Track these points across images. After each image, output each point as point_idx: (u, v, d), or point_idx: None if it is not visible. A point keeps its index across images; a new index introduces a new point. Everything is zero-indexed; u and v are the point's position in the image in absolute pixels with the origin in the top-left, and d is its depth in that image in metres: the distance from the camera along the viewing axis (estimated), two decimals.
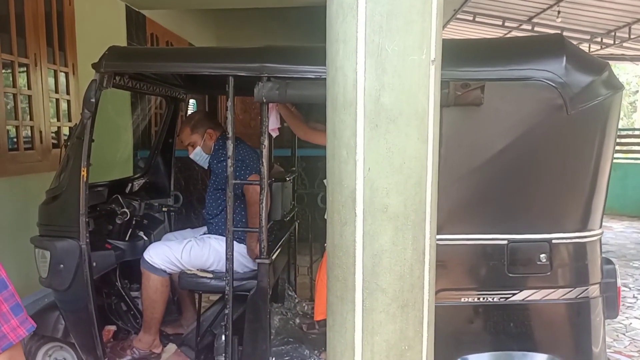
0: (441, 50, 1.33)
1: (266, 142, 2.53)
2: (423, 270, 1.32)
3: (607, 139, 2.21)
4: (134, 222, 3.29)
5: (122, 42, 5.66)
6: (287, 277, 3.85)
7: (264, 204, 2.54)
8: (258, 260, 2.63)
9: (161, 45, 6.69)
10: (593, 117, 2.16)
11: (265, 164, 2.52)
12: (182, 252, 3.00)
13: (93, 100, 2.55)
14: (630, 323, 4.73)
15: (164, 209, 3.48)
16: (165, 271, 2.99)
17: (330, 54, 1.36)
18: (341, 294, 1.35)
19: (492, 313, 2.29)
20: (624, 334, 4.44)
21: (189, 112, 5.38)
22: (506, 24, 9.23)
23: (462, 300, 2.29)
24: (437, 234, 2.21)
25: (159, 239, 3.37)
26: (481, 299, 2.28)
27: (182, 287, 3.12)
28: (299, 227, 3.85)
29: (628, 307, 5.15)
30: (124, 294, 3.26)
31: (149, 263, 2.97)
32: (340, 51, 1.32)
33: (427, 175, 1.31)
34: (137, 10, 6.09)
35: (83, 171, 2.58)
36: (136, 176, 3.75)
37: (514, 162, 2.20)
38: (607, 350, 4.00)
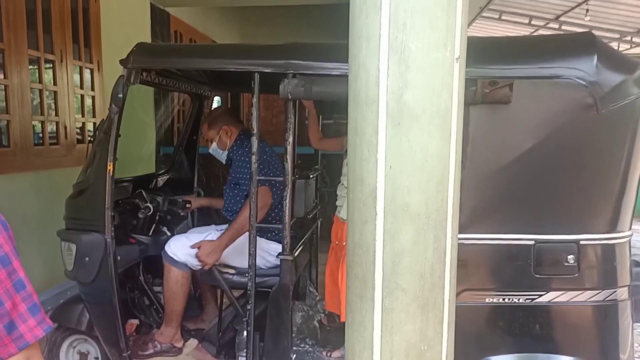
0: (466, 47, 1.30)
1: (291, 139, 2.53)
2: (444, 270, 1.31)
3: (638, 139, 2.15)
4: (157, 218, 3.33)
5: (147, 39, 5.74)
6: (308, 274, 3.85)
7: (287, 200, 2.55)
8: (281, 257, 2.64)
9: (185, 43, 6.76)
10: (623, 116, 2.11)
11: (289, 160, 2.53)
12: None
13: (121, 95, 2.59)
14: None
15: (187, 205, 3.51)
16: (186, 264, 3.02)
17: (352, 50, 1.35)
18: (360, 292, 1.34)
19: (517, 314, 2.26)
20: None
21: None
22: (533, 22, 9.11)
23: (487, 300, 2.26)
24: (462, 232, 2.20)
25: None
26: (506, 300, 2.25)
27: (204, 281, 3.14)
28: (321, 225, 3.85)
29: None
30: (146, 288, 3.31)
31: (170, 256, 3.00)
32: (363, 48, 1.31)
33: (449, 174, 1.29)
34: (161, 7, 6.16)
35: (109, 166, 2.62)
36: (160, 172, 3.80)
37: (542, 161, 2.17)
38: (635, 356, 3.93)
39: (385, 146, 1.29)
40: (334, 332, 3.40)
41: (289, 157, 2.53)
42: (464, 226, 2.21)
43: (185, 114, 6.18)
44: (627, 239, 2.23)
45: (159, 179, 3.70)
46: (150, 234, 3.27)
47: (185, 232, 3.47)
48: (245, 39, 8.83)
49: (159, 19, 6.15)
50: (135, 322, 3.21)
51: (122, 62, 2.62)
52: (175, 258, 2.99)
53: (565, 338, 2.26)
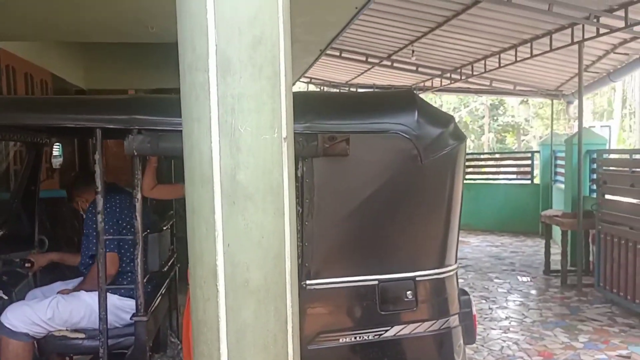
0: (292, 128, 1.39)
1: (139, 196, 2.47)
2: (286, 340, 1.36)
3: (457, 183, 2.43)
4: None
5: None
6: (169, 324, 3.73)
7: (139, 259, 2.47)
8: (135, 318, 2.54)
9: (18, 78, 6.21)
10: (443, 165, 2.38)
11: (139, 218, 2.46)
12: (47, 310, 2.79)
13: None
14: (488, 334, 5.17)
15: (27, 265, 3.21)
16: (27, 334, 2.76)
17: (186, 130, 1.38)
18: None
19: (368, 350, 2.41)
20: (483, 346, 4.85)
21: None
22: (369, 60, 9.93)
23: (341, 340, 2.38)
24: (315, 279, 2.31)
25: (23, 297, 3.11)
26: (357, 338, 2.39)
27: (49, 351, 2.89)
28: (180, 269, 3.75)
29: (485, 318, 5.63)
30: None
31: (7, 327, 2.73)
32: (195, 129, 1.34)
33: (286, 247, 1.36)
34: None
35: None
36: None
37: (379, 208, 2.35)
38: None
39: (222, 224, 1.32)
40: None
41: (138, 215, 2.46)
42: (316, 273, 2.33)
43: (24, 155, 5.66)
44: (454, 271, 2.50)
45: None
46: None
47: (26, 292, 3.18)
48: (91, 74, 8.33)
49: None
50: None
51: None
52: (14, 329, 2.72)
53: None
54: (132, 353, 2.53)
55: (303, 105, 2.42)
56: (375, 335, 2.39)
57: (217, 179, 1.31)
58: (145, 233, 2.58)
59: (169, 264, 3.38)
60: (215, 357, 1.33)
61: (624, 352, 4.63)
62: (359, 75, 11.66)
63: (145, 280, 2.55)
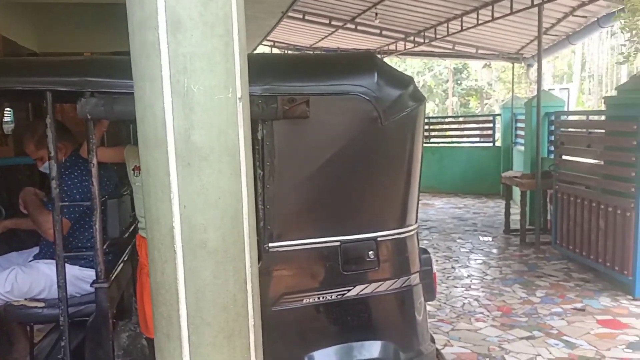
0: (247, 88, 1.37)
1: (95, 161, 2.41)
2: (246, 300, 1.38)
3: (416, 145, 2.46)
4: None
5: None
6: (133, 289, 3.71)
7: (97, 225, 2.43)
8: (95, 285, 2.51)
9: None
10: (403, 126, 2.40)
11: (95, 183, 2.40)
12: (5, 283, 2.75)
13: None
14: (451, 292, 5.34)
15: None
16: None
17: (137, 91, 1.34)
18: (167, 331, 1.36)
19: (331, 310, 2.45)
20: (445, 303, 5.01)
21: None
22: (332, 22, 9.82)
23: (304, 301, 2.41)
24: (278, 241, 2.33)
25: None
26: (321, 298, 2.42)
27: (9, 320, 2.85)
28: None
29: (448, 277, 5.81)
30: None
31: None
32: (147, 90, 1.30)
33: (243, 208, 1.36)
34: None
35: None
36: None
37: (340, 170, 2.37)
38: (431, 320, 4.49)
39: (177, 186, 1.31)
40: None
41: (94, 180, 2.40)
42: (278, 235, 2.34)
43: None
44: (415, 231, 2.55)
45: None
46: None
47: None
48: (44, 36, 7.98)
49: None
50: None
51: None
52: None
53: (374, 325, 2.52)
54: (94, 320, 2.51)
55: (262, 67, 2.39)
56: (338, 295, 2.43)
57: (171, 140, 1.29)
58: (104, 198, 2.52)
59: (130, 230, 3.34)
60: (174, 318, 1.34)
61: (578, 305, 4.86)
62: (323, 39, 11.54)
63: (105, 247, 2.52)
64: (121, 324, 3.40)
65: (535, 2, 7.00)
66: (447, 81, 27.71)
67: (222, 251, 1.34)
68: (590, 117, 7.29)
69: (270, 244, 2.31)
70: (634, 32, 3.84)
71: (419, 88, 2.63)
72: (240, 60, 1.32)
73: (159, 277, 1.36)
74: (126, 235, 3.22)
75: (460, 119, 17.24)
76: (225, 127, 1.32)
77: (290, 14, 6.35)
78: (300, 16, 9.41)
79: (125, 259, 3.11)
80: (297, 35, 11.58)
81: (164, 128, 1.29)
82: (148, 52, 1.28)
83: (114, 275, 2.69)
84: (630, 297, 4.96)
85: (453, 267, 6.12)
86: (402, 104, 2.36)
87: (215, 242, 1.33)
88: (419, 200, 2.57)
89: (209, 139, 1.30)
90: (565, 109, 8.87)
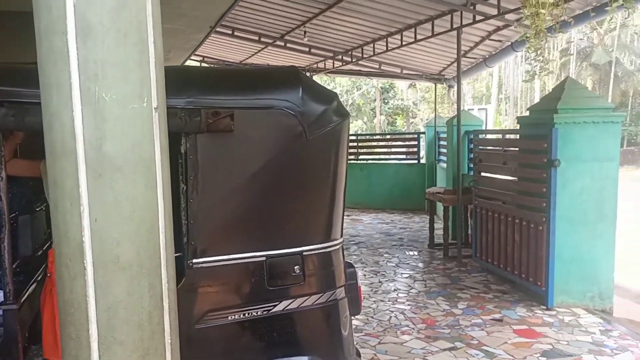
0: (164, 98, 1.34)
1: (4, 174, 2.26)
2: (162, 316, 1.32)
3: (341, 160, 2.49)
4: None
5: None
6: None
7: (6, 242, 2.27)
8: (3, 307, 2.33)
9: None
10: (328, 141, 2.42)
11: (4, 198, 2.25)
12: None
13: None
14: (378, 306, 5.42)
15: None
16: None
17: (44, 99, 1.27)
18: (76, 354, 1.28)
19: (257, 326, 2.41)
20: (372, 317, 5.07)
21: None
22: (262, 39, 9.86)
23: (230, 318, 2.36)
24: (202, 257, 2.27)
25: None
26: (247, 315, 2.38)
27: None
28: None
29: (375, 291, 5.89)
30: None
31: None
32: (54, 97, 1.24)
33: (159, 221, 1.31)
34: None
35: None
36: None
37: (266, 184, 2.35)
38: (359, 334, 4.53)
39: (88, 198, 1.25)
40: None
41: (2, 195, 2.25)
42: (202, 251, 2.28)
43: None
44: (340, 245, 2.57)
45: None
46: None
47: None
48: None
49: None
50: None
51: None
52: None
53: (300, 340, 2.50)
54: (2, 344, 2.34)
55: (185, 79, 2.34)
56: (264, 310, 2.40)
57: (81, 151, 1.23)
58: (15, 214, 2.37)
59: (45, 247, 3.15)
60: (84, 338, 1.26)
61: (497, 316, 5.06)
62: (252, 55, 11.53)
63: (15, 266, 2.36)
64: (34, 349, 3.18)
65: (454, 26, 7.36)
66: (375, 100, 28.49)
67: (136, 266, 1.28)
68: (506, 136, 7.71)
69: (194, 260, 2.25)
70: (538, 52, 4.14)
71: (348, 106, 2.68)
72: (157, 69, 1.29)
73: (67, 294, 1.28)
74: (39, 253, 3.04)
75: (388, 137, 17.73)
76: (140, 138, 1.27)
77: (219, 29, 6.30)
78: (230, 32, 9.37)
79: (39, 278, 2.92)
80: (227, 50, 11.50)
81: (73, 138, 1.23)
82: (55, 59, 1.22)
83: (25, 296, 2.52)
84: (544, 307, 5.23)
85: (380, 282, 6.21)
86: (327, 119, 2.38)
87: (129, 256, 1.28)
88: (344, 214, 2.59)
89: (122, 150, 1.25)
90: (484, 128, 9.34)
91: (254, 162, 2.32)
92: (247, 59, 11.98)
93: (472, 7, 6.81)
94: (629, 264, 5.55)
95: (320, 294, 2.48)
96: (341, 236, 2.58)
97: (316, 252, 2.46)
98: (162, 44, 1.35)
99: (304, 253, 2.43)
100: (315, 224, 2.49)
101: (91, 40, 1.21)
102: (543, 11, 3.59)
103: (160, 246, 1.33)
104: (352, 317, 2.68)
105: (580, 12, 6.13)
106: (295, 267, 2.42)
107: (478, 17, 6.96)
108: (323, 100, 2.41)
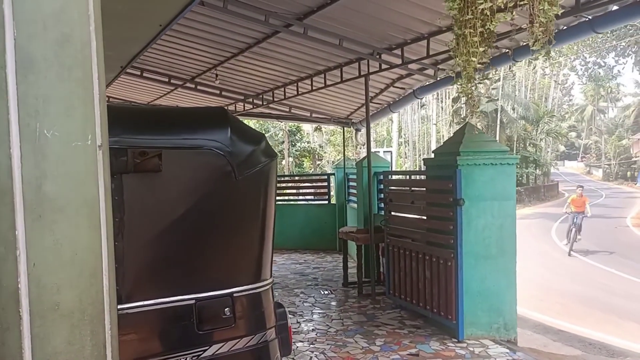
0: (107, 136, 1.30)
1: None
2: None
3: (270, 199, 2.51)
4: None
5: None
6: None
7: None
8: None
9: None
10: (257, 181, 2.44)
11: None
12: None
13: None
14: (297, 347, 5.39)
15: None
16: None
17: None
18: None
19: None
20: (293, 359, 5.01)
21: None
22: (172, 81, 9.76)
23: None
24: (127, 302, 2.15)
25: None
26: None
27: None
28: None
29: (294, 332, 5.85)
30: None
31: None
32: None
33: (103, 264, 1.25)
34: None
35: None
36: None
37: (194, 225, 2.30)
38: None
39: (25, 242, 1.16)
40: None
41: None
42: (127, 296, 2.17)
43: None
44: (270, 285, 2.55)
45: None
46: None
47: None
48: None
49: None
50: None
51: None
52: None
53: None
54: None
55: (111, 118, 2.26)
56: (194, 356, 2.31)
57: (18, 191, 1.16)
58: None
59: None
60: None
61: (413, 351, 5.20)
62: (162, 97, 11.31)
63: None
64: None
65: (362, 73, 7.74)
66: (283, 142, 28.85)
67: (78, 313, 1.20)
68: (413, 177, 8.11)
69: (119, 306, 2.12)
70: (469, 96, 4.46)
71: None
72: (100, 106, 1.25)
73: None
74: None
75: (297, 178, 17.93)
76: (84, 177, 1.22)
77: (128, 70, 6.15)
78: (139, 73, 9.16)
79: None
80: (134, 91, 11.20)
81: (9, 176, 1.15)
82: None
83: None
84: (456, 340, 5.46)
85: (298, 322, 6.17)
86: (255, 159, 2.41)
87: (70, 303, 1.19)
88: (273, 254, 2.59)
89: (64, 190, 1.19)
90: (390, 169, 9.75)
91: (183, 203, 2.28)
92: (155, 100, 11.73)
93: (378, 56, 7.21)
94: (521, 295, 5.96)
95: (251, 336, 2.43)
96: (271, 276, 2.57)
97: (246, 293, 2.43)
98: (104, 81, 1.32)
99: (234, 294, 2.39)
100: (245, 265, 2.47)
101: (33, 74, 1.16)
102: (474, 59, 3.90)
103: (104, 291, 1.26)
104: (282, 358, 2.64)
105: (499, 54, 6.71)
106: (226, 309, 2.36)
107: (384, 66, 7.38)
108: (251, 141, 2.44)
